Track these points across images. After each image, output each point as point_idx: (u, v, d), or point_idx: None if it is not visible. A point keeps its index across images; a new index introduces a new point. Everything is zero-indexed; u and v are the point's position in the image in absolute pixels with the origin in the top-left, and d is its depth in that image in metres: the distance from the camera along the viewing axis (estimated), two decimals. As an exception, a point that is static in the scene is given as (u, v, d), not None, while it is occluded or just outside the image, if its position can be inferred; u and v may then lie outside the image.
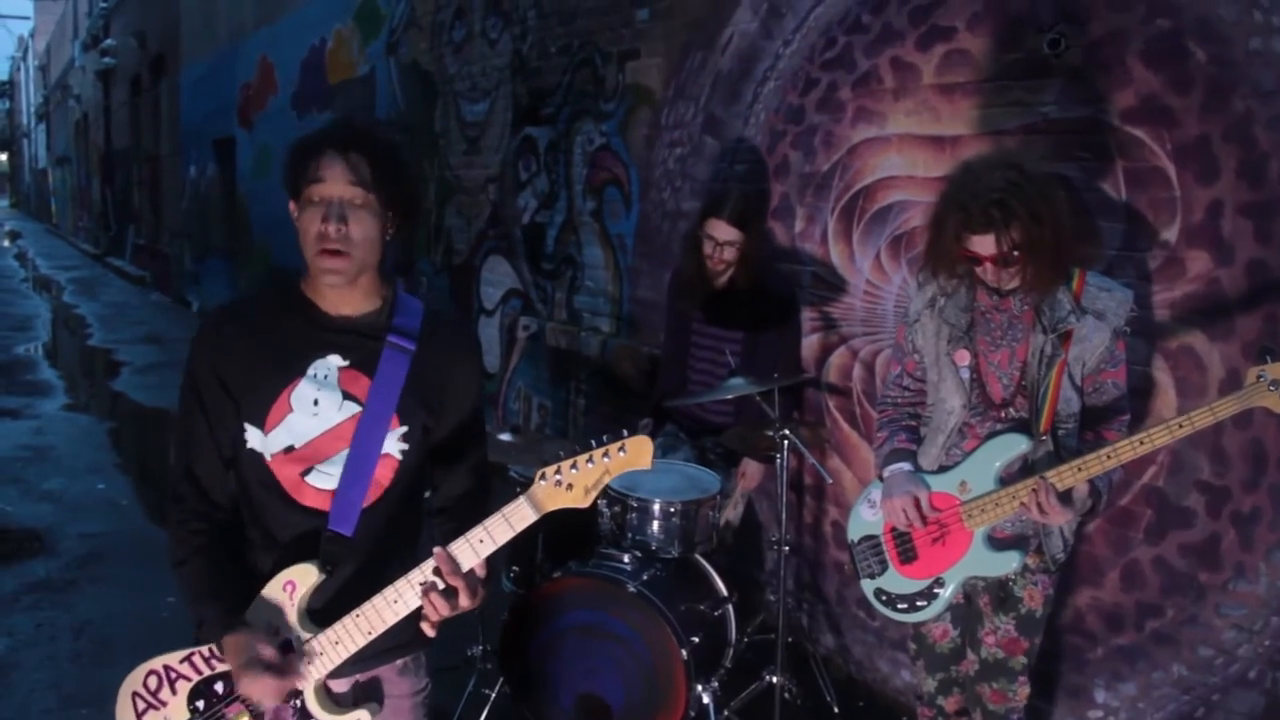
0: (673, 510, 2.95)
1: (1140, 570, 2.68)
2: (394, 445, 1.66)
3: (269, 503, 1.66)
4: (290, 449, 1.64)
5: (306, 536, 1.64)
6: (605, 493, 2.96)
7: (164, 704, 1.65)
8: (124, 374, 9.47)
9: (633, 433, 1.50)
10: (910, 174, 3.23)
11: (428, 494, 1.81)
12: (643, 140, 4.54)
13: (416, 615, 1.58)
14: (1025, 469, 2.22)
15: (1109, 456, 2.05)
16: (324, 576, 1.62)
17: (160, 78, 15.88)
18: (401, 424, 1.66)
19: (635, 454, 1.49)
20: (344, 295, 1.67)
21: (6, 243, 27.89)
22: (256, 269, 10.87)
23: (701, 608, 2.95)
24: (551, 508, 1.52)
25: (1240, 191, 2.42)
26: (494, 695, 3.08)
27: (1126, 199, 2.64)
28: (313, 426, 1.64)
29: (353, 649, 1.60)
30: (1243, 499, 2.47)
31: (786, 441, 2.96)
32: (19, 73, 48.31)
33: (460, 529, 1.58)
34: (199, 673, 1.65)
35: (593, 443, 1.50)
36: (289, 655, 1.58)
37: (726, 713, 3.01)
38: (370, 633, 1.59)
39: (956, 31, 3.04)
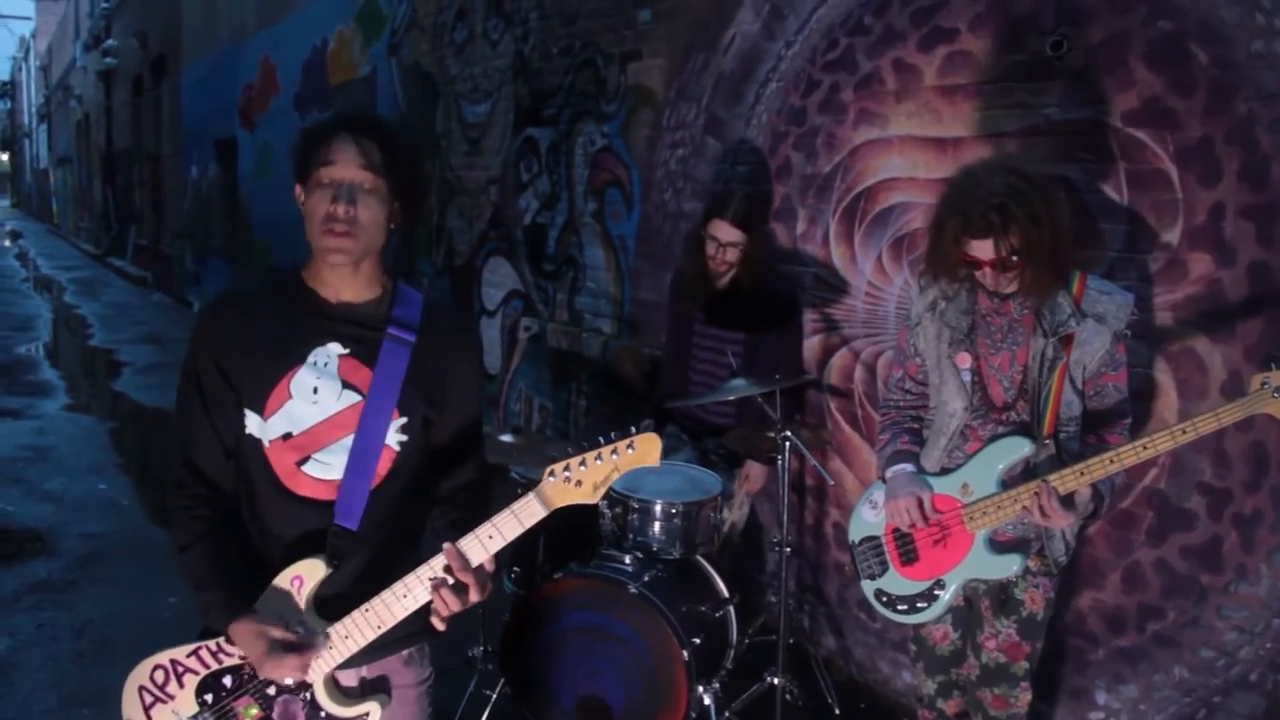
0: (674, 511, 2.95)
1: (1141, 572, 2.68)
2: (392, 437, 1.67)
3: (264, 492, 1.66)
4: (288, 436, 1.64)
5: (303, 528, 1.64)
6: (607, 494, 2.97)
7: (171, 697, 1.66)
8: (125, 374, 9.47)
9: (640, 430, 1.51)
10: (912, 176, 3.23)
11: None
12: (644, 141, 4.54)
13: (422, 608, 1.60)
14: (1027, 472, 2.22)
15: (1112, 461, 2.05)
16: (331, 570, 1.63)
17: (162, 78, 15.89)
18: (401, 415, 1.67)
19: (644, 451, 1.50)
20: (345, 281, 1.68)
21: (8, 243, 27.90)
22: (257, 269, 10.88)
23: (703, 609, 2.95)
24: (560, 504, 1.54)
25: (1242, 194, 2.42)
26: (495, 696, 3.08)
27: (1128, 201, 2.64)
28: (311, 414, 1.64)
29: (362, 643, 1.62)
30: (1244, 501, 2.47)
31: (788, 443, 2.96)
32: (20, 73, 48.35)
33: (463, 519, 1.59)
34: (206, 666, 1.66)
35: (601, 439, 1.51)
36: (302, 634, 1.60)
37: (727, 714, 3.01)
38: (380, 627, 1.61)
39: (959, 33, 3.04)
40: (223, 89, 12.02)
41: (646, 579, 2.84)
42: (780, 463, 3.00)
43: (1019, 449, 2.19)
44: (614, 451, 1.50)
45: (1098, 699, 2.81)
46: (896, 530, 2.36)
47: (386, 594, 1.60)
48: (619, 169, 4.76)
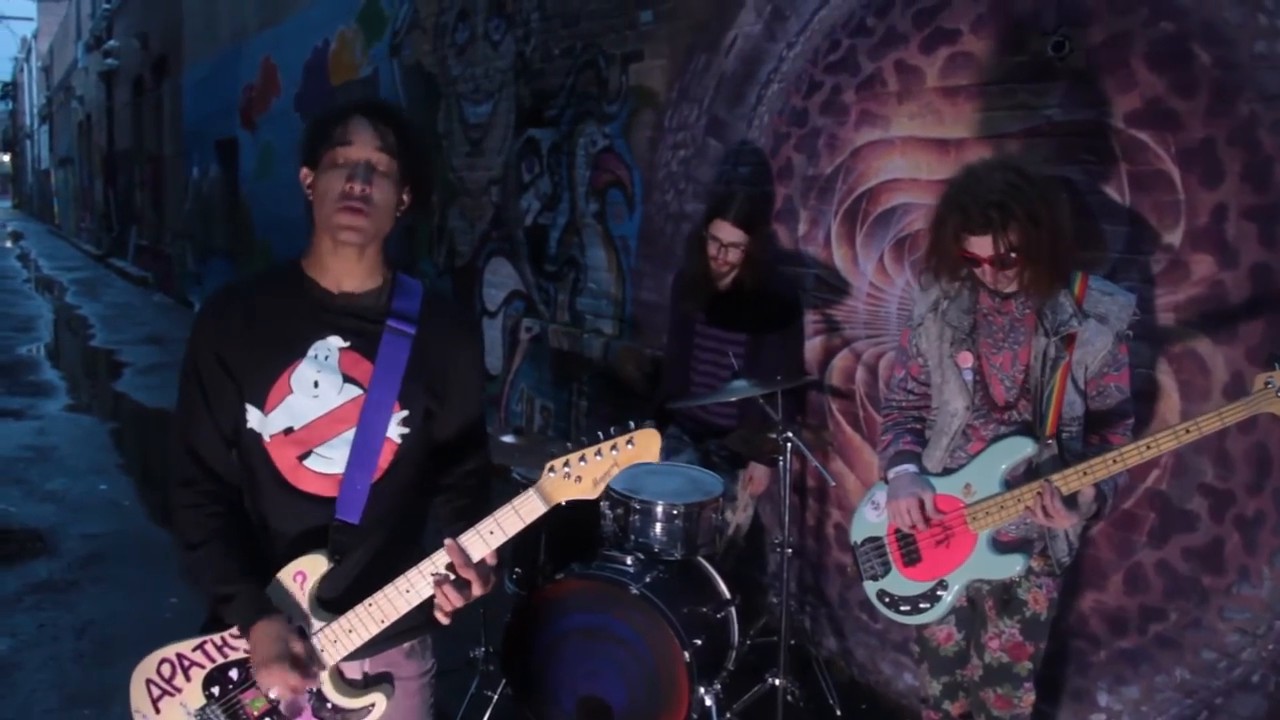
0: (675, 512, 2.95)
1: (1144, 574, 2.68)
2: (394, 430, 1.67)
3: (266, 487, 1.66)
4: (289, 430, 1.64)
5: (307, 523, 1.65)
6: (608, 494, 2.97)
7: (179, 690, 1.67)
8: (126, 375, 9.47)
9: (640, 425, 1.51)
10: (914, 177, 3.23)
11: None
12: (646, 142, 4.54)
13: (425, 601, 1.61)
14: (1030, 472, 2.21)
15: (1115, 461, 2.05)
16: (333, 565, 1.63)
17: (163, 79, 15.90)
18: (402, 408, 1.67)
19: (643, 446, 1.51)
20: (349, 267, 1.67)
21: (9, 243, 27.91)
22: (258, 269, 10.88)
23: (704, 610, 2.95)
24: (560, 499, 1.54)
25: (1244, 195, 2.41)
26: (496, 697, 3.08)
27: (1130, 202, 2.63)
28: (312, 408, 1.64)
29: (366, 637, 1.62)
30: (1246, 503, 2.47)
31: (789, 444, 2.96)
32: (22, 74, 48.39)
33: (469, 507, 1.60)
34: (212, 660, 1.66)
35: (600, 435, 1.51)
36: (310, 653, 1.61)
37: (729, 715, 3.01)
38: (383, 621, 1.61)
39: (960, 34, 3.04)
40: (224, 89, 12.03)
41: (648, 580, 2.84)
42: (782, 464, 3.00)
43: (1022, 449, 2.19)
44: (613, 447, 1.51)
45: (1099, 700, 2.80)
46: (899, 531, 2.36)
47: (389, 589, 1.60)
48: (620, 170, 4.76)
